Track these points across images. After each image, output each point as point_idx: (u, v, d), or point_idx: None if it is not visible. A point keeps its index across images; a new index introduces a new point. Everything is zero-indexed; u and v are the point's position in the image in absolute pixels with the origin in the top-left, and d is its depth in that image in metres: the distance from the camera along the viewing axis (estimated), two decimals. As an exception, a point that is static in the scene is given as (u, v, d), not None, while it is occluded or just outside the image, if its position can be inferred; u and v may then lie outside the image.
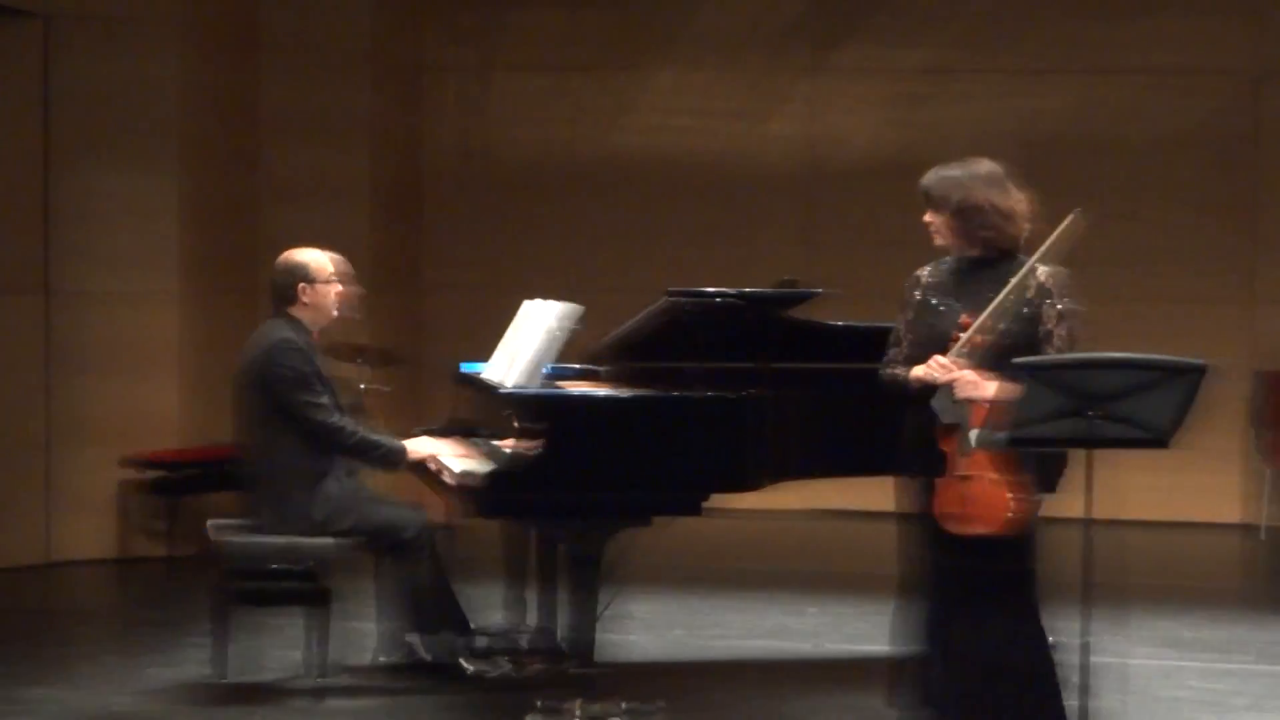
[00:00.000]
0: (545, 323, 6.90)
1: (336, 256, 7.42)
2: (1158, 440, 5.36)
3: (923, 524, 5.84)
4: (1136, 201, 11.48)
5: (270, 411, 7.19)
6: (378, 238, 11.50)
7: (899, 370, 5.91)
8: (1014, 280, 5.64)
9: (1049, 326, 5.76)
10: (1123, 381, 5.22)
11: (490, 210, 12.43)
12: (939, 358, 5.68)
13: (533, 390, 6.76)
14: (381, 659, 7.45)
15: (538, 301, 7.17)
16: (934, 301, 5.89)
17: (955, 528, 5.69)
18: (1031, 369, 5.26)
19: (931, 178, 5.97)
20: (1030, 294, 5.73)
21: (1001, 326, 5.67)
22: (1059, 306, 5.76)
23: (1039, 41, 12.00)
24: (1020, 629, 5.82)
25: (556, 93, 12.41)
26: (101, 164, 10.06)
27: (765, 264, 11.05)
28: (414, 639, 7.39)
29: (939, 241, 5.95)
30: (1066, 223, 5.58)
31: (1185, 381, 5.23)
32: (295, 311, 7.33)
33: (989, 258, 5.87)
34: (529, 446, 6.50)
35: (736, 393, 6.58)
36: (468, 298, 12.00)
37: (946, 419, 5.67)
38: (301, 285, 7.31)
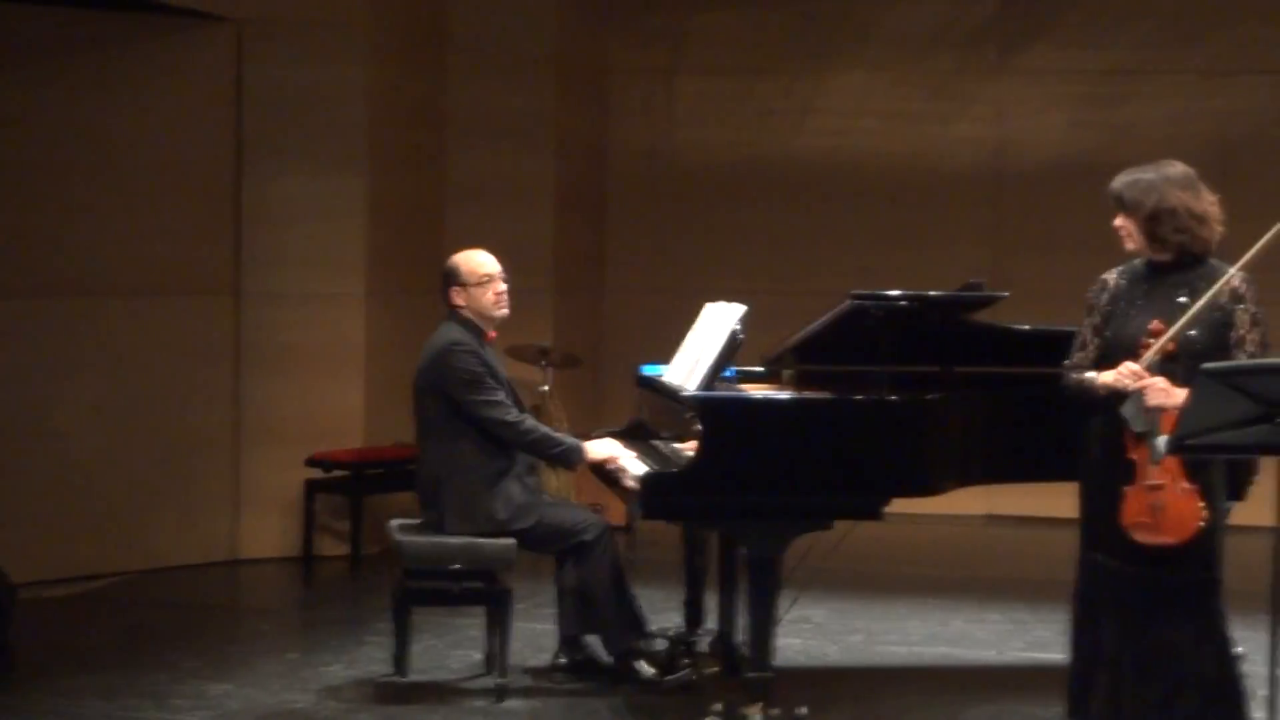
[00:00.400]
0: (727, 325, 6.88)
1: (489, 257, 7.46)
2: (1353, 449, 5.24)
3: (1109, 533, 5.75)
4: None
5: (448, 413, 7.25)
6: (561, 240, 11.55)
7: (1085, 375, 5.84)
8: (1213, 289, 5.55)
9: (1241, 332, 5.67)
10: (1315, 389, 5.10)
11: (673, 213, 12.43)
12: (1130, 364, 5.60)
13: (716, 394, 6.74)
14: (560, 660, 7.48)
15: (720, 304, 7.16)
16: (1123, 306, 5.82)
17: (1145, 537, 5.62)
18: (1220, 375, 5.16)
19: (1123, 181, 5.90)
20: (1222, 299, 5.64)
21: (1193, 333, 5.58)
22: (1252, 311, 5.67)
23: (1230, 42, 11.79)
24: (1207, 639, 5.73)
25: (741, 95, 12.39)
26: (291, 166, 10.20)
27: (950, 267, 10.95)
28: (593, 641, 7.42)
29: (1130, 246, 5.88)
30: (1276, 230, 5.47)
31: (1378, 387, 5.10)
32: (463, 312, 7.39)
33: (1180, 262, 5.79)
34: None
35: (918, 396, 6.52)
36: (650, 300, 12.01)
37: (1137, 427, 5.59)
38: (454, 289, 7.39)
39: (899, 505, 6.45)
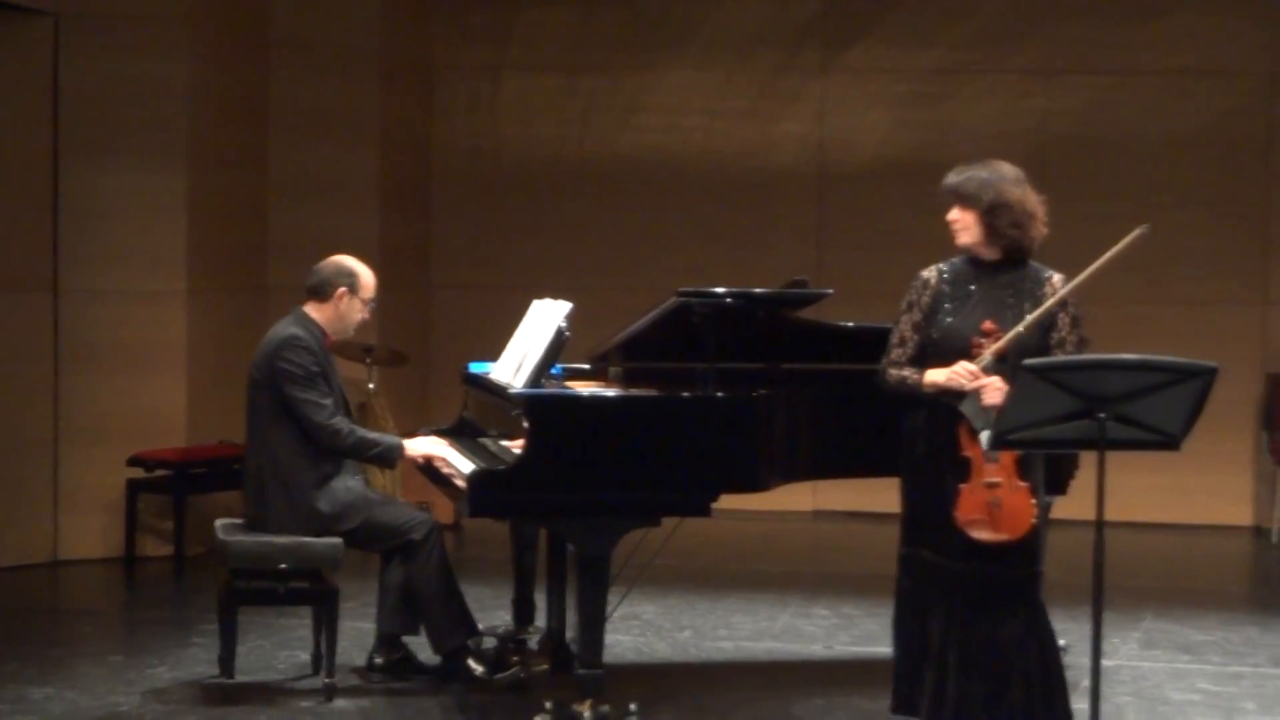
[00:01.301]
0: (554, 322, 6.88)
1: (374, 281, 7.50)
2: (1168, 442, 5.33)
3: (935, 529, 5.79)
4: (1148, 203, 11.43)
5: (279, 409, 7.20)
6: (386, 237, 11.48)
7: (907, 372, 5.87)
8: (1054, 298, 5.66)
9: (1063, 333, 5.78)
10: (1133, 383, 5.19)
11: (499, 210, 12.41)
12: (965, 364, 5.65)
13: (543, 391, 6.73)
14: (377, 660, 7.43)
15: (546, 301, 7.15)
16: (947, 304, 5.87)
17: (981, 534, 5.65)
18: (1041, 371, 5.23)
19: (960, 175, 5.95)
20: (1044, 300, 5.74)
21: (1020, 329, 5.66)
22: (1072, 313, 5.78)
23: (1051, 42, 11.97)
24: (1032, 632, 5.81)
25: (567, 93, 12.40)
26: (110, 162, 10.05)
27: (775, 264, 11.04)
28: (410, 640, 7.39)
29: (965, 240, 5.92)
30: (1134, 235, 5.57)
31: (1197, 383, 5.20)
32: (317, 310, 7.36)
33: (1005, 261, 5.86)
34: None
35: (746, 393, 6.55)
36: (476, 297, 11.99)
37: (977, 425, 5.65)
38: (343, 290, 7.35)
39: (727, 501, 6.49)
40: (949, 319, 5.83)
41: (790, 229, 12.17)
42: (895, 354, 5.96)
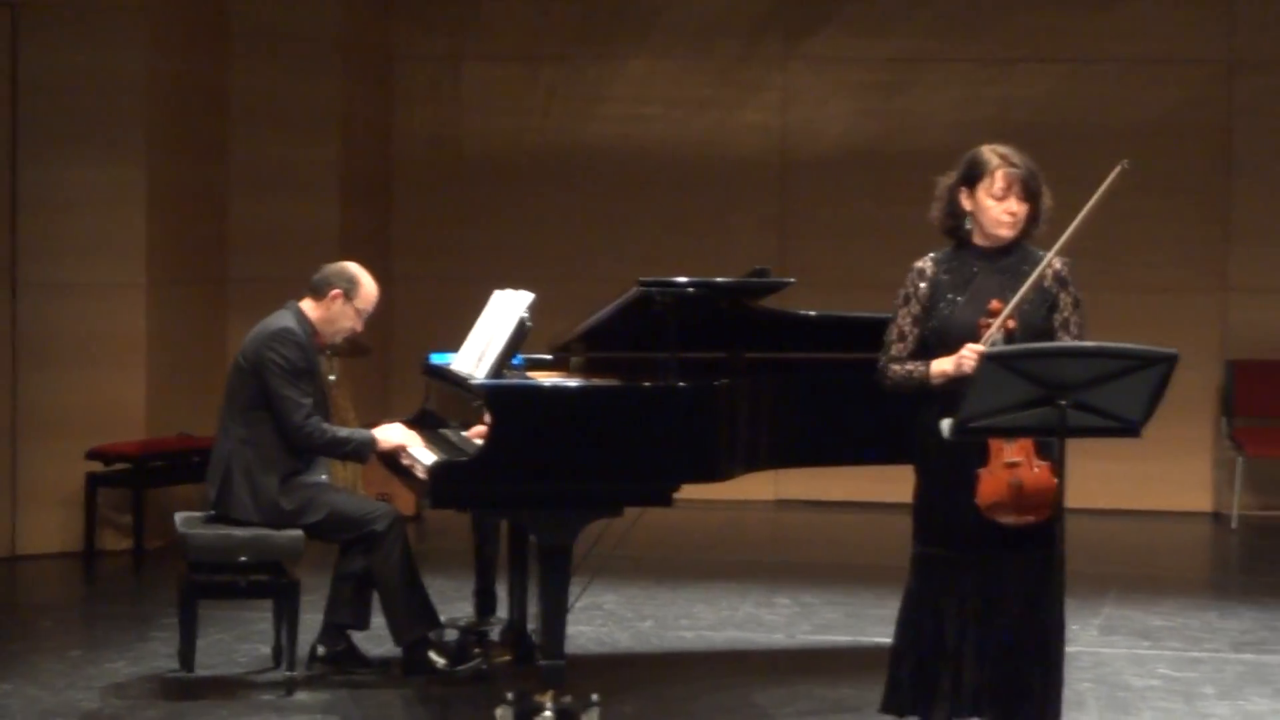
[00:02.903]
0: (516, 312, 6.86)
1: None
2: (1129, 429, 5.34)
3: (947, 524, 5.64)
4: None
5: (258, 398, 7.19)
6: (347, 227, 11.44)
7: (910, 366, 5.69)
8: (1041, 264, 5.53)
9: (1065, 314, 5.66)
10: (1094, 370, 5.19)
11: (460, 200, 12.39)
12: (972, 345, 5.48)
13: (504, 381, 6.72)
14: (320, 649, 7.41)
15: (508, 291, 7.14)
16: (947, 294, 5.71)
17: (1006, 518, 5.49)
18: (1002, 358, 5.22)
19: (1023, 164, 5.68)
20: (1047, 282, 5.64)
21: (1027, 307, 5.55)
22: (1074, 295, 5.68)
23: (1012, 30, 11.99)
24: (1058, 614, 5.63)
25: (527, 82, 12.37)
26: (69, 154, 10.00)
27: (737, 253, 11.03)
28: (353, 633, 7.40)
29: (1009, 234, 5.66)
30: (1115, 173, 5.50)
31: (1156, 370, 5.20)
32: (312, 308, 7.37)
33: (1006, 247, 5.69)
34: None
35: (707, 382, 6.55)
36: (437, 288, 11.96)
37: None
38: (338, 292, 7.36)
39: (688, 491, 6.47)
40: (952, 306, 5.67)
41: (752, 218, 12.17)
42: (895, 350, 5.74)
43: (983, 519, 5.53)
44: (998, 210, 5.65)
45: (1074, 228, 5.46)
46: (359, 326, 7.52)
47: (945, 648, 5.67)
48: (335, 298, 7.38)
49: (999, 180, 5.65)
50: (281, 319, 7.32)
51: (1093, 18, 11.91)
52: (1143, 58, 11.89)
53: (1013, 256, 5.70)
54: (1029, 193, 5.67)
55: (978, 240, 5.73)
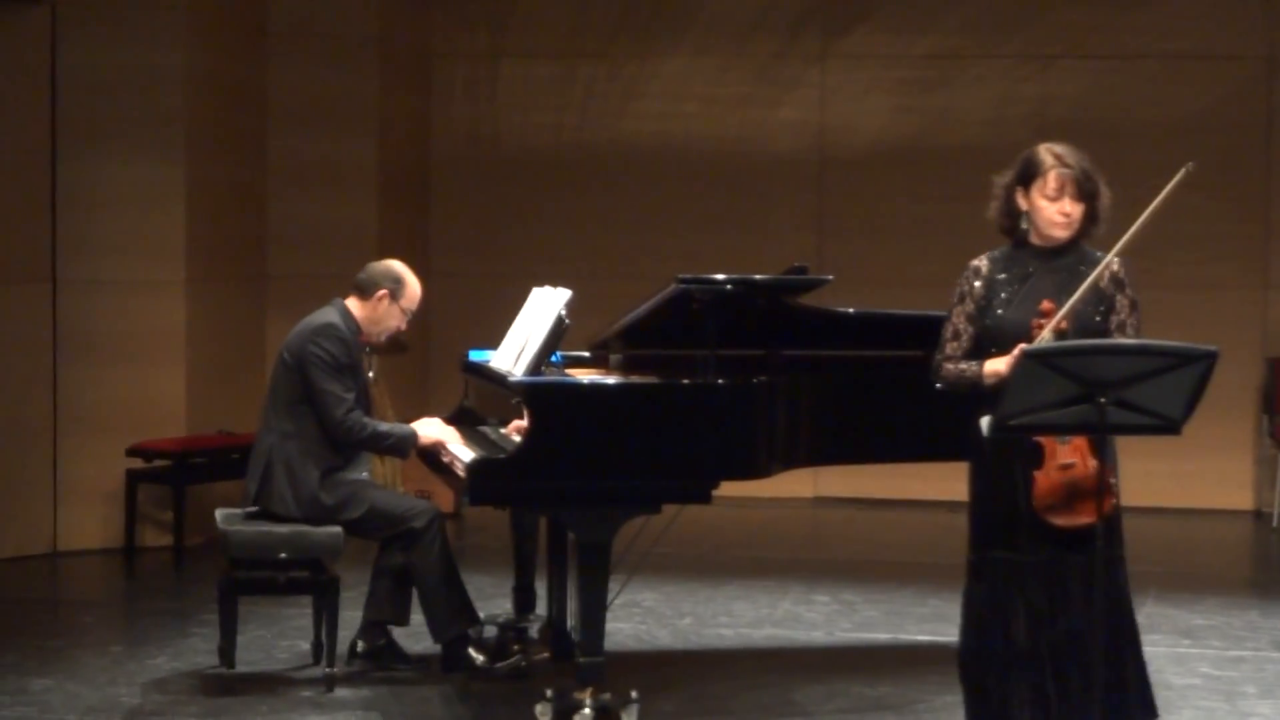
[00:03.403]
0: (554, 310, 6.87)
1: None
2: (1169, 427, 5.31)
3: (1008, 525, 5.59)
4: (1147, 187, 11.40)
5: (301, 392, 7.22)
6: (385, 224, 11.46)
7: (964, 365, 5.62)
8: (1099, 267, 5.48)
9: (1123, 316, 5.60)
10: (1134, 368, 5.17)
11: (498, 197, 12.39)
12: (1025, 346, 5.40)
13: (543, 379, 6.72)
14: (360, 645, 7.43)
15: (546, 288, 7.14)
16: (1002, 293, 5.66)
17: (1061, 520, 5.43)
18: (1041, 355, 5.21)
19: (1080, 163, 5.63)
20: (1103, 284, 5.59)
21: (1081, 308, 5.49)
22: (1131, 296, 5.63)
23: (1050, 26, 11.95)
24: (1118, 615, 5.59)
25: (565, 80, 12.38)
26: (108, 152, 10.03)
27: (775, 251, 11.02)
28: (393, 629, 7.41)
29: (1063, 234, 5.60)
30: (1180, 175, 5.46)
31: (1196, 368, 5.18)
32: (357, 306, 7.40)
33: (1063, 247, 5.63)
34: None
35: (746, 380, 6.54)
36: (475, 285, 11.97)
37: None
38: (384, 292, 7.38)
39: (727, 488, 6.47)
40: (1006, 306, 5.60)
41: (789, 215, 12.16)
42: (950, 348, 5.67)
43: (1041, 520, 5.50)
44: (1051, 211, 5.60)
45: (1135, 230, 5.41)
46: (403, 326, 7.54)
47: (1017, 653, 5.62)
48: (381, 298, 7.39)
49: (1051, 181, 5.60)
50: (326, 315, 7.34)
51: (1131, 13, 11.86)
52: (1181, 54, 11.85)
53: (1069, 257, 5.64)
54: (1084, 193, 5.61)
55: (1034, 240, 5.67)
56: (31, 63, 9.94)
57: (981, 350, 5.62)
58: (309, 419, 7.21)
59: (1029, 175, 5.65)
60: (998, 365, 5.50)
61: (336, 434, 7.18)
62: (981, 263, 5.73)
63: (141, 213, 10.08)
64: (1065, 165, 5.61)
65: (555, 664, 7.25)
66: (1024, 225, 5.67)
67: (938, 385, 5.70)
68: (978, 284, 5.68)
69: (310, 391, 7.19)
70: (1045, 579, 5.56)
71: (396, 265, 7.51)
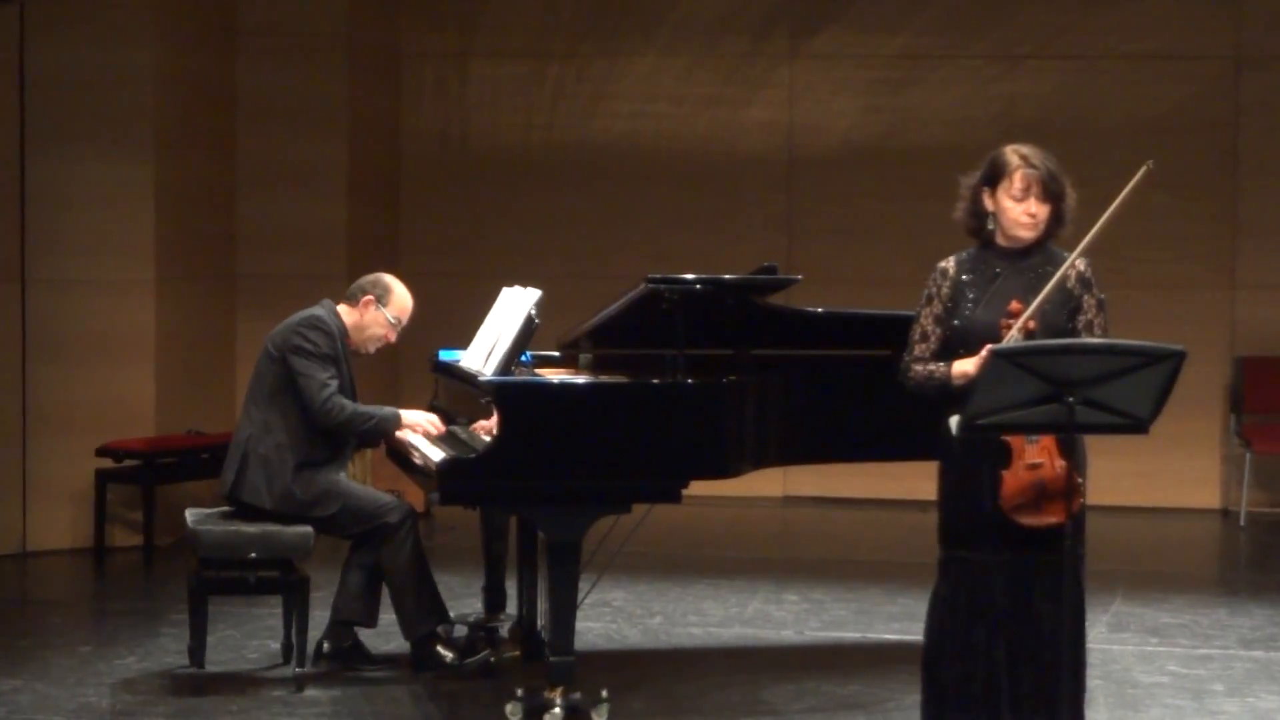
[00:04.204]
0: (524, 309, 6.88)
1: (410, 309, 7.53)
2: (1137, 426, 5.34)
3: (971, 525, 5.61)
4: (1115, 187, 11.44)
5: (283, 384, 7.21)
6: (354, 224, 11.46)
7: (933, 366, 5.64)
8: (1064, 265, 5.51)
9: (1090, 316, 5.62)
10: (1102, 367, 5.19)
11: (468, 197, 12.39)
12: (992, 346, 5.34)
13: (513, 378, 6.73)
14: (326, 645, 7.42)
15: (516, 288, 7.15)
16: (970, 294, 5.68)
17: (1028, 519, 5.44)
18: (1009, 355, 5.23)
19: (1045, 164, 5.64)
20: (1070, 284, 5.61)
21: (1048, 309, 5.52)
22: (1098, 297, 5.66)
23: (1018, 27, 11.98)
24: (1074, 616, 5.63)
25: (534, 79, 12.38)
26: (77, 151, 10.00)
27: (744, 251, 11.03)
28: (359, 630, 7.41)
29: (1029, 235, 5.63)
30: (1140, 174, 5.48)
31: (1164, 367, 5.21)
32: (347, 312, 7.42)
33: (1029, 248, 5.66)
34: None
35: (715, 379, 6.55)
36: (445, 285, 11.93)
37: None
38: (370, 298, 7.40)
39: (697, 488, 6.48)
40: (974, 307, 5.62)
41: (759, 215, 12.18)
42: (918, 350, 5.69)
43: (1007, 520, 5.53)
44: (1017, 211, 5.63)
45: (1098, 229, 5.43)
46: (391, 337, 7.51)
47: (977, 651, 5.65)
48: (368, 304, 7.40)
49: (1018, 181, 5.62)
50: (318, 310, 7.38)
51: (1099, 14, 11.90)
52: (1149, 54, 11.89)
53: (1036, 257, 5.66)
54: (1049, 194, 5.63)
55: (1000, 241, 5.69)
56: (0, 61, 9.91)
57: (950, 351, 5.63)
58: (290, 411, 7.21)
59: (995, 176, 5.67)
60: (966, 366, 5.52)
61: (319, 417, 7.16)
62: (949, 264, 5.74)
63: (110, 212, 10.06)
64: (1031, 166, 5.63)
65: (525, 663, 7.26)
66: (990, 226, 5.70)
67: (907, 387, 5.72)
68: (945, 286, 5.70)
69: (292, 377, 7.19)
70: (1009, 579, 5.59)
71: (386, 276, 7.57)
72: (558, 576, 6.42)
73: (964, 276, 5.69)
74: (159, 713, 6.85)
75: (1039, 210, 5.63)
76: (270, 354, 7.30)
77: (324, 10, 11.37)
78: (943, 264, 5.76)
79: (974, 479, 5.58)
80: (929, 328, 5.70)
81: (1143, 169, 5.47)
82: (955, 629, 5.65)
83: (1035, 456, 5.45)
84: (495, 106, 12.40)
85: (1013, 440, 5.44)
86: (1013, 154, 5.67)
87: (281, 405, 7.23)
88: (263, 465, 7.19)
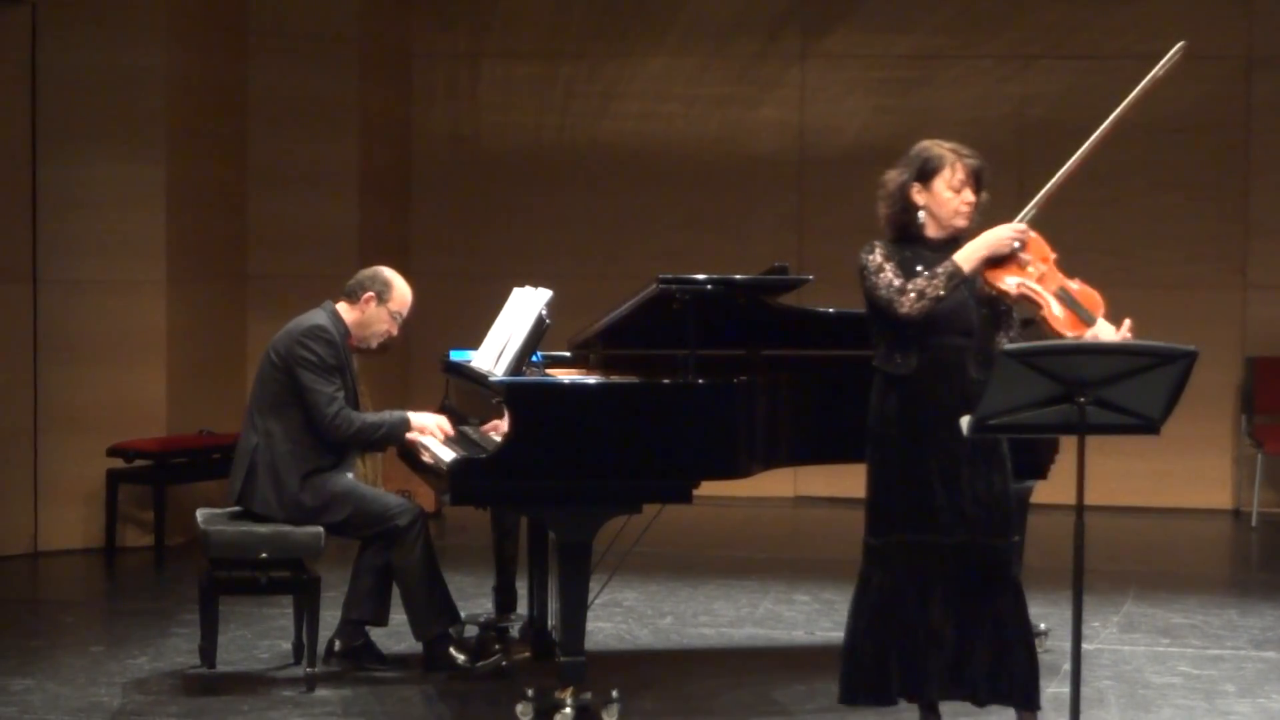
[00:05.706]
0: (535, 310, 6.88)
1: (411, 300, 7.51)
2: (1148, 426, 5.34)
3: (920, 510, 5.73)
4: (1127, 187, 11.45)
5: (288, 393, 7.21)
6: (365, 225, 11.47)
7: (928, 274, 5.71)
8: (1073, 159, 5.84)
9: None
10: (1113, 368, 5.20)
11: (479, 197, 12.40)
12: (1009, 225, 5.67)
13: (523, 379, 6.73)
14: (337, 644, 7.43)
15: (527, 288, 7.15)
16: (919, 268, 5.80)
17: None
18: (1020, 356, 5.23)
19: (978, 158, 5.92)
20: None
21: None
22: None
23: (1029, 27, 11.98)
24: (1019, 599, 5.77)
25: (546, 80, 12.39)
26: (89, 152, 10.02)
27: (755, 251, 11.04)
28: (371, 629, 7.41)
29: (964, 224, 5.86)
30: (1174, 52, 5.65)
31: (1176, 367, 5.21)
32: (346, 310, 7.38)
33: (952, 239, 5.86)
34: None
35: (726, 380, 6.55)
36: (456, 285, 11.97)
37: None
38: (371, 295, 7.38)
39: (708, 488, 6.48)
40: (923, 262, 5.81)
41: (770, 215, 12.18)
42: (899, 283, 5.76)
43: (949, 502, 5.69)
44: (956, 202, 5.85)
45: (1125, 106, 5.61)
46: (394, 330, 7.50)
47: (931, 629, 5.75)
48: (368, 300, 7.39)
49: (960, 171, 5.85)
50: (315, 317, 7.34)
51: (1111, 13, 11.89)
52: (1159, 54, 11.80)
53: (957, 243, 5.83)
54: (981, 185, 5.86)
55: (931, 233, 5.87)
56: (11, 63, 9.93)
57: (905, 343, 5.75)
58: (294, 420, 7.21)
59: (929, 170, 5.89)
60: (971, 251, 5.70)
61: (328, 432, 7.17)
62: (878, 246, 5.90)
63: (122, 213, 10.07)
64: (967, 157, 5.85)
65: (536, 663, 7.26)
66: (920, 220, 5.86)
67: (907, 313, 5.76)
68: (893, 258, 5.84)
69: (299, 392, 7.19)
70: (959, 563, 5.70)
71: (385, 270, 7.51)
72: (568, 577, 6.42)
73: (896, 258, 5.84)
74: (170, 712, 6.85)
75: (973, 199, 5.85)
76: (273, 361, 7.29)
77: (335, 11, 11.38)
78: (872, 243, 5.91)
79: (923, 465, 5.75)
80: (897, 275, 5.78)
81: (1176, 47, 5.63)
82: (904, 612, 5.78)
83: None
84: (506, 107, 12.40)
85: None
86: (942, 148, 5.92)
87: (286, 414, 7.22)
88: (270, 474, 7.18)
